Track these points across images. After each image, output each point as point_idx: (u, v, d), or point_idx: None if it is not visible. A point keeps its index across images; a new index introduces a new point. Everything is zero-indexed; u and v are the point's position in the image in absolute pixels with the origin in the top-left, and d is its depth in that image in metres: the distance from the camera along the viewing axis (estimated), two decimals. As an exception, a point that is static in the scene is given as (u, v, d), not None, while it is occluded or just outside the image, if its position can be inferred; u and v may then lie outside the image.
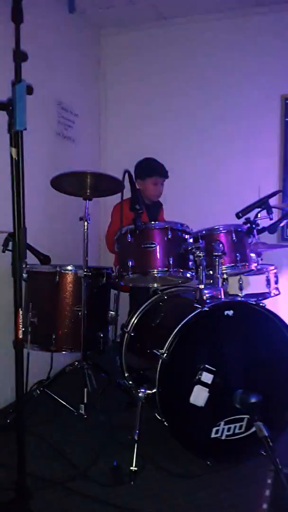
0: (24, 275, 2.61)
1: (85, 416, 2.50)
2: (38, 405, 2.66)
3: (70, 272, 2.63)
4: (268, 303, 2.35)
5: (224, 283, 2.68)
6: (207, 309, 2.15)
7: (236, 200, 3.15)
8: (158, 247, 2.37)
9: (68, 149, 3.68)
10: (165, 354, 2.10)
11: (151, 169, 3.25)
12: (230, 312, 2.19)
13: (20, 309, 1.54)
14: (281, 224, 3.05)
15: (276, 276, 3.01)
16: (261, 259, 2.91)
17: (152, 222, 2.50)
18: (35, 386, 2.75)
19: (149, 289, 2.82)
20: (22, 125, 1.39)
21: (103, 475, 2.10)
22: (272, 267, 2.97)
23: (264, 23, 3.79)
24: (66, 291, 2.62)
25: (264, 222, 2.82)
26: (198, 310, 2.15)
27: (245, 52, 3.85)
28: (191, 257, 2.47)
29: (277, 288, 2.99)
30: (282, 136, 3.77)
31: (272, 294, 2.90)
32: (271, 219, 2.72)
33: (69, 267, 2.65)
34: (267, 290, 2.88)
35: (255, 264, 2.63)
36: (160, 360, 2.12)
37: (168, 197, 3.50)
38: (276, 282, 3.00)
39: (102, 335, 2.74)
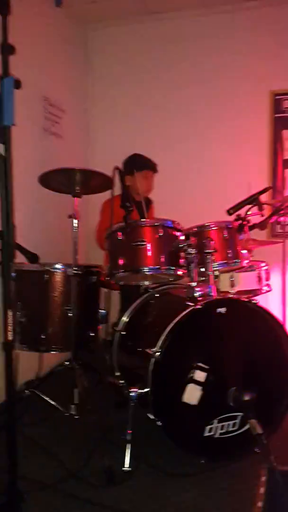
0: (12, 274, 2.55)
1: (76, 417, 2.47)
2: (28, 406, 2.61)
3: (59, 271, 2.58)
4: (258, 300, 2.34)
5: (216, 279, 2.67)
6: (200, 307, 2.12)
7: (226, 196, 3.12)
8: (149, 244, 2.34)
9: (55, 145, 3.63)
10: (157, 353, 2.07)
11: (140, 163, 3.21)
12: (223, 310, 2.17)
13: (9, 310, 1.50)
14: (271, 221, 3.04)
15: (267, 273, 3.00)
16: (252, 256, 2.90)
17: (143, 220, 2.46)
18: (23, 386, 2.70)
19: (139, 287, 2.79)
20: (10, 121, 1.34)
21: (96, 476, 2.07)
22: (263, 264, 2.97)
23: (253, 19, 3.77)
24: (55, 290, 2.58)
25: (254, 218, 2.81)
26: (191, 308, 2.13)
27: (234, 47, 3.84)
28: (182, 254, 2.44)
29: (268, 285, 2.98)
30: (271, 132, 3.76)
31: (263, 291, 2.89)
32: (262, 215, 2.70)
33: (58, 266, 2.60)
34: (258, 287, 2.87)
35: (247, 261, 2.61)
36: (153, 359, 2.09)
37: (158, 194, 3.47)
38: (267, 279, 2.99)
39: (92, 334, 2.70)
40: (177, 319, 2.12)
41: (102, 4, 3.77)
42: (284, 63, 3.70)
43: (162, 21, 3.98)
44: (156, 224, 2.36)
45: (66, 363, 2.62)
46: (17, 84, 1.38)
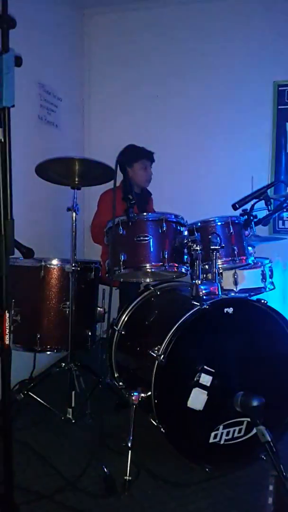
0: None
1: (73, 421, 2.34)
2: (21, 409, 2.48)
3: (56, 267, 2.45)
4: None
5: (219, 277, 2.56)
6: (207, 306, 2.00)
7: (229, 190, 3.02)
8: (152, 240, 2.22)
9: (51, 135, 3.47)
10: (162, 356, 1.95)
11: (136, 153, 3.11)
12: (230, 310, 2.05)
13: (7, 311, 1.36)
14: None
15: (271, 270, 2.90)
16: (254, 252, 2.80)
17: (145, 213, 2.33)
18: (17, 387, 2.57)
19: (139, 284, 2.67)
20: (10, 101, 1.20)
21: (95, 485, 1.95)
22: (267, 261, 2.86)
23: (256, 7, 3.64)
24: (51, 287, 2.44)
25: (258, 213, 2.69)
26: (197, 308, 2.01)
27: (237, 36, 3.70)
28: (185, 250, 2.32)
29: (272, 283, 2.88)
30: (274, 125, 3.64)
31: (267, 289, 2.79)
32: (269, 210, 2.59)
33: (55, 261, 2.46)
34: (262, 285, 2.76)
35: (253, 258, 2.50)
36: (156, 362, 1.97)
37: (157, 187, 3.34)
38: (271, 277, 2.88)
39: (90, 333, 2.58)
40: (182, 319, 2.00)
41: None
42: (288, 53, 3.58)
43: (163, 7, 3.83)
44: (159, 218, 2.24)
45: (62, 364, 2.48)
46: (18, 61, 1.23)
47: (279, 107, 3.60)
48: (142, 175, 3.10)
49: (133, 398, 2.06)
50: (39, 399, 2.44)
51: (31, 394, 2.45)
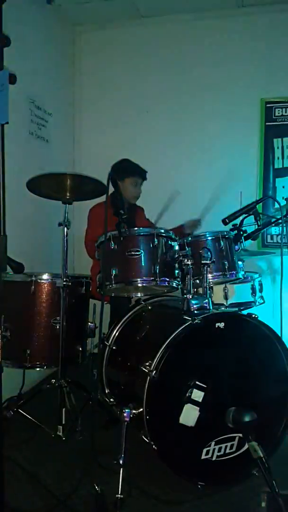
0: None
1: (64, 438, 2.30)
2: (10, 426, 2.43)
3: (46, 282, 2.43)
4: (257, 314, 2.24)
5: (209, 291, 2.57)
6: (199, 321, 2.00)
7: (217, 205, 3.05)
8: (143, 254, 2.22)
9: (41, 149, 3.48)
10: (154, 371, 1.94)
11: (130, 169, 3.10)
12: (222, 325, 2.06)
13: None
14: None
15: (261, 284, 2.92)
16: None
17: (136, 228, 2.34)
18: (5, 404, 2.53)
19: (130, 299, 2.67)
20: (4, 118, 1.21)
21: (86, 504, 1.92)
22: (257, 275, 2.88)
23: (244, 25, 3.73)
24: (42, 302, 2.43)
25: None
26: (189, 323, 2.01)
27: (225, 53, 3.78)
28: (176, 265, 2.32)
29: (261, 297, 2.90)
30: (262, 141, 3.70)
31: (257, 303, 2.80)
32: (258, 225, 2.61)
33: (46, 276, 2.45)
34: (252, 299, 2.78)
35: (243, 272, 2.52)
36: (148, 378, 1.96)
37: (147, 202, 3.35)
38: (261, 291, 2.90)
39: (80, 349, 2.56)
40: (174, 334, 1.99)
41: (92, 5, 3.67)
42: (275, 71, 3.66)
43: (153, 25, 3.90)
44: (151, 232, 2.25)
45: (52, 380, 2.45)
46: (12, 78, 1.24)
47: (267, 123, 3.67)
48: (131, 191, 3.10)
49: (125, 415, 2.04)
50: (28, 416, 2.41)
51: (21, 411, 2.41)
